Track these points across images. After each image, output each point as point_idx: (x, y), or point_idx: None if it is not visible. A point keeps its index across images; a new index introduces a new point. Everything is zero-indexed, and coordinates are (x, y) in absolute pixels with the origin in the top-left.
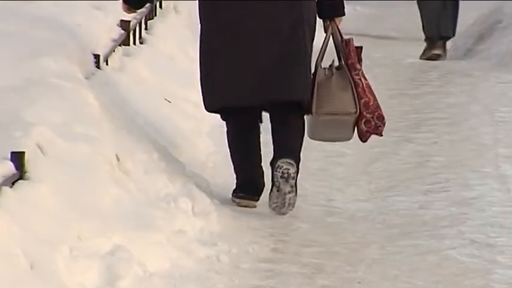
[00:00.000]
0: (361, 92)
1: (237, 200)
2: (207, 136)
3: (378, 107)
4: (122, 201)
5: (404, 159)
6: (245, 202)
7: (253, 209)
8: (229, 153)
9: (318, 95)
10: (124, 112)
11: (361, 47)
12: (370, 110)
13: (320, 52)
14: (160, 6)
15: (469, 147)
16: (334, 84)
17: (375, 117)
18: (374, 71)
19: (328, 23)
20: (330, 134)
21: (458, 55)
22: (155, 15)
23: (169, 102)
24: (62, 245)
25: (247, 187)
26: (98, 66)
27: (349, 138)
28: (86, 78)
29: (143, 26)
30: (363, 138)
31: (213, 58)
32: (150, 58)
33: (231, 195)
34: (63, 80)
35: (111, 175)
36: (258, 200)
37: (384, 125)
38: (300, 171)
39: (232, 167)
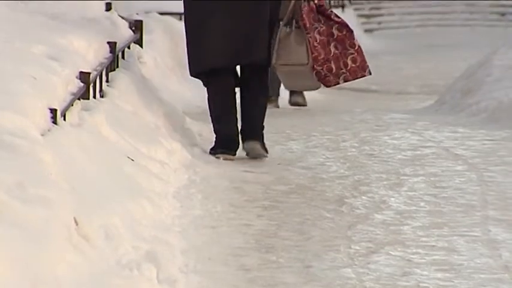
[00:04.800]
0: (312, 48)
1: (218, 155)
2: (173, 197)
3: (327, 60)
4: (80, 269)
5: (386, 222)
6: (225, 156)
7: (224, 278)
8: (209, 116)
9: (278, 49)
10: (83, 172)
11: (321, 5)
12: (319, 63)
13: (286, 15)
14: (123, 57)
15: (455, 209)
16: (292, 40)
17: (324, 69)
18: (354, 126)
19: None
20: (294, 82)
21: (444, 110)
22: (117, 66)
23: (132, 160)
24: None
25: (226, 143)
26: (54, 122)
27: (316, 88)
28: (42, 135)
29: (104, 78)
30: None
31: (198, 29)
32: (111, 113)
33: (209, 152)
34: (16, 137)
35: (69, 240)
36: (235, 154)
37: (335, 76)
38: (274, 235)
39: (212, 126)
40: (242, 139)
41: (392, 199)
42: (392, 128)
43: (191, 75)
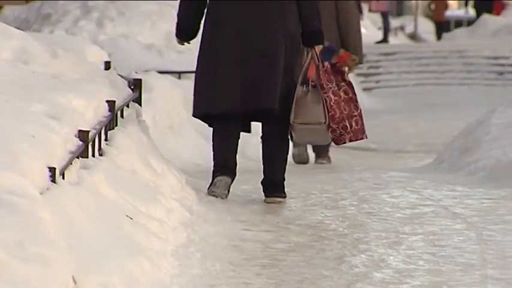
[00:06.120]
0: (329, 107)
1: (213, 190)
2: (172, 256)
3: (343, 119)
4: None
5: (385, 280)
6: (220, 177)
7: None
8: (211, 147)
9: (296, 108)
10: (81, 230)
11: (337, 63)
12: (335, 122)
13: (301, 74)
14: (122, 115)
15: (454, 268)
16: (309, 99)
17: (339, 127)
18: (353, 184)
19: (309, 50)
20: (307, 139)
21: (443, 168)
22: (116, 125)
23: (131, 219)
24: None
25: (222, 168)
26: (53, 181)
27: (326, 142)
28: (41, 193)
29: (103, 137)
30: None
31: (209, 72)
32: (110, 171)
33: (207, 190)
34: (15, 196)
35: None
36: (230, 177)
37: (348, 134)
38: None
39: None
40: (263, 191)
41: (391, 258)
42: (391, 187)
43: (194, 115)
